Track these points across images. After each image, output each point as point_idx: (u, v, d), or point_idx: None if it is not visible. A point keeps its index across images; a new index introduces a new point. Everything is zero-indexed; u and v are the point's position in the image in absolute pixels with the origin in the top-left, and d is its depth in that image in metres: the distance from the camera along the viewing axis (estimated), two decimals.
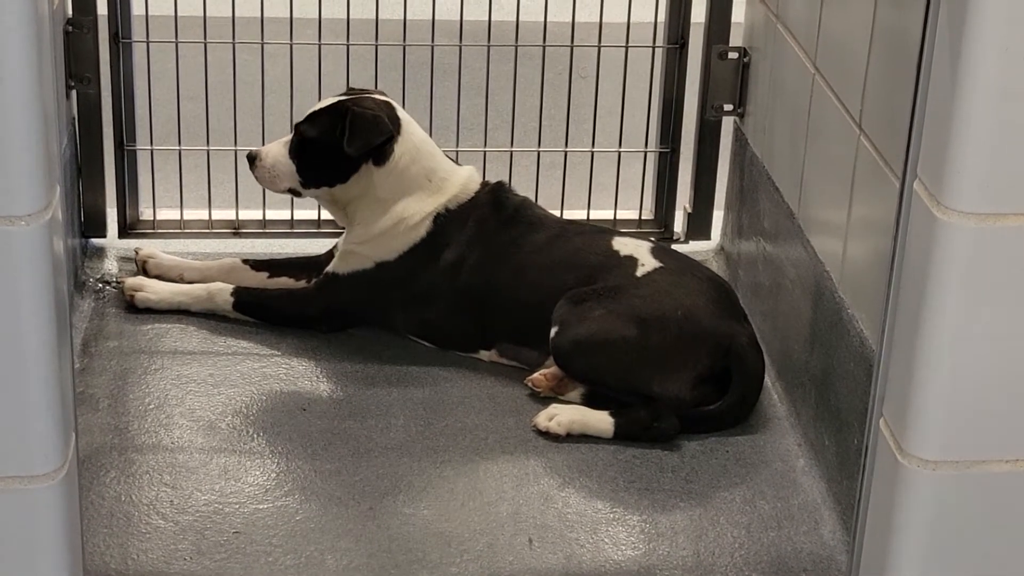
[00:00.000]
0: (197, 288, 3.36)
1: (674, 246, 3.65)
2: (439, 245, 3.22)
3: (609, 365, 3.02)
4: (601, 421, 3.03)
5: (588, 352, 3.03)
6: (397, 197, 3.23)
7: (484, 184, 3.29)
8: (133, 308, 3.35)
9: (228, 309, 3.33)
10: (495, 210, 3.25)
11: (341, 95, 3.27)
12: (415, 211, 3.23)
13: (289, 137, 3.28)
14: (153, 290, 3.36)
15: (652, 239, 3.39)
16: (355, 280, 3.26)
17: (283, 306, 3.33)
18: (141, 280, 3.38)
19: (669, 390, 3.01)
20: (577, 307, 3.06)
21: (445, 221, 3.23)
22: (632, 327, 3.01)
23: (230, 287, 3.34)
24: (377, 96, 3.28)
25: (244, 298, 3.33)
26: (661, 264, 3.14)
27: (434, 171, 3.26)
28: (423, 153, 3.26)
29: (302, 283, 3.40)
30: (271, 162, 3.27)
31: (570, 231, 3.26)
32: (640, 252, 3.17)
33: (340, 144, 3.18)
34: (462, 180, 3.27)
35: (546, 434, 3.02)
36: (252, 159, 3.29)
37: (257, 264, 3.44)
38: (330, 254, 3.38)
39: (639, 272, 3.12)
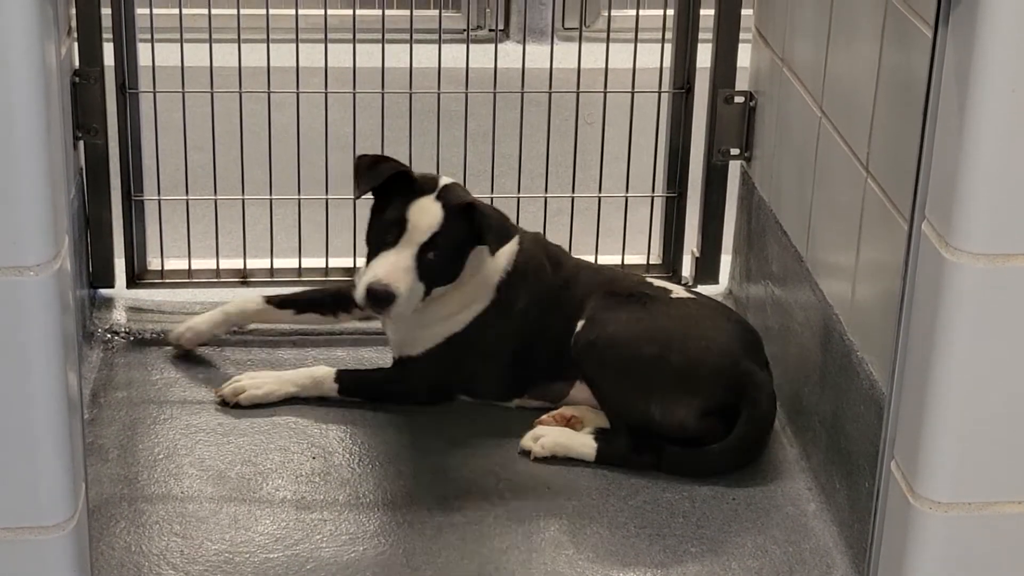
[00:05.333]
0: (301, 376, 3.23)
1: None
2: (504, 308, 3.19)
3: (622, 372, 3.04)
4: (584, 445, 3.05)
5: (605, 353, 3.05)
6: (475, 273, 3.17)
7: (523, 233, 3.26)
8: (139, 343, 3.35)
9: (335, 395, 3.22)
10: (545, 261, 3.23)
11: (417, 180, 3.12)
12: (484, 283, 3.19)
13: (407, 258, 3.03)
14: (255, 385, 3.21)
15: (687, 288, 3.44)
16: (431, 357, 3.21)
17: (384, 387, 3.24)
18: (238, 384, 3.21)
19: (676, 414, 3.00)
20: (608, 307, 3.10)
21: (506, 285, 3.19)
22: (655, 341, 3.03)
23: (332, 372, 3.23)
24: (447, 181, 3.15)
25: (348, 384, 3.21)
26: (694, 296, 3.22)
27: None
28: None
29: (328, 317, 3.40)
30: (406, 293, 3.03)
31: (605, 269, 3.33)
32: (674, 287, 3.24)
33: (467, 248, 3.10)
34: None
35: (527, 454, 3.07)
36: (384, 299, 3.01)
37: (281, 303, 3.38)
38: (351, 284, 3.31)
39: (673, 294, 3.18)
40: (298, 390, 3.21)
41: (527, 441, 3.07)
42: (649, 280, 3.27)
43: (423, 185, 3.09)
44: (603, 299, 3.13)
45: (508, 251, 3.17)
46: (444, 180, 3.13)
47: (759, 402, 3.03)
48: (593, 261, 3.49)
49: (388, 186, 3.09)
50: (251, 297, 3.41)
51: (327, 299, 3.40)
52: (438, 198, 3.07)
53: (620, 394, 3.04)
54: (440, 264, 3.06)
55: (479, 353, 3.19)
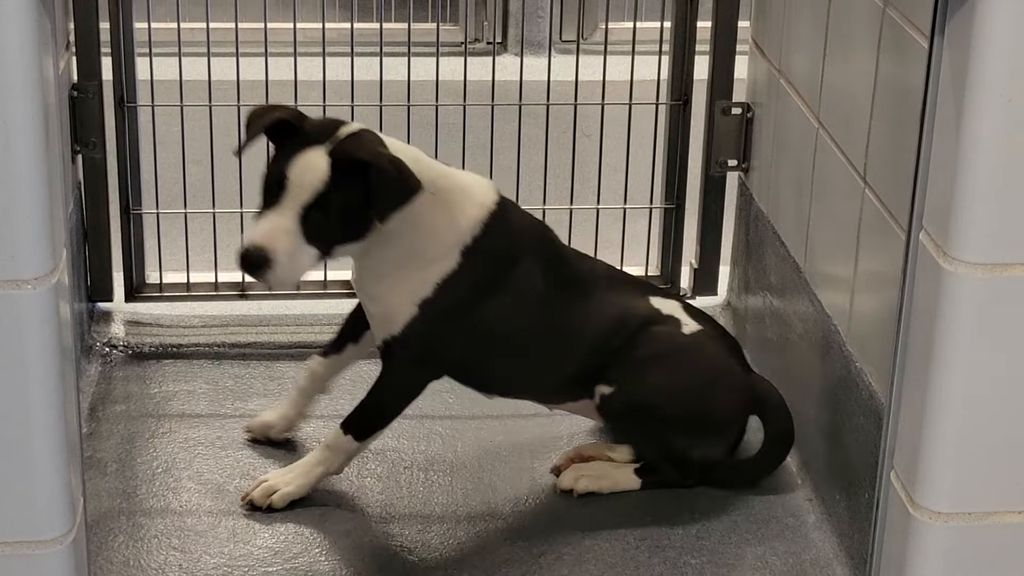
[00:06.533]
0: (318, 454, 2.96)
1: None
2: (472, 276, 2.90)
3: (657, 433, 3.00)
4: (626, 481, 3.03)
5: (641, 416, 2.99)
6: (429, 228, 2.87)
7: (505, 200, 2.97)
8: (137, 356, 3.35)
9: (358, 446, 2.95)
10: (530, 235, 2.98)
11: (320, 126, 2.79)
12: (443, 243, 2.88)
13: (289, 219, 2.71)
14: (285, 481, 2.95)
15: (679, 296, 3.35)
16: (411, 329, 2.91)
17: (384, 399, 2.95)
18: (267, 485, 2.94)
19: (711, 455, 3.03)
20: (632, 367, 2.97)
21: (472, 251, 2.88)
22: (688, 400, 2.99)
23: (338, 430, 2.94)
24: (353, 128, 2.79)
25: (357, 427, 2.93)
26: (700, 327, 3.07)
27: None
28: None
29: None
30: (285, 258, 2.71)
31: (605, 268, 3.14)
32: (678, 312, 3.08)
33: (368, 207, 2.72)
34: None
35: (569, 492, 3.02)
36: (257, 264, 2.70)
37: (336, 345, 3.12)
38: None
39: (686, 330, 3.04)
40: (326, 468, 2.95)
41: (567, 481, 3.01)
42: (655, 301, 3.08)
43: (317, 134, 2.73)
44: (623, 362, 2.97)
45: (475, 213, 2.86)
46: (349, 127, 2.77)
47: (780, 415, 3.05)
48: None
49: (282, 136, 2.77)
50: (310, 364, 3.13)
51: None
52: (330, 154, 2.71)
53: (658, 448, 3.03)
54: (332, 225, 2.72)
55: (460, 326, 2.88)
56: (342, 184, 2.70)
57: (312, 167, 2.70)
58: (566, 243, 3.19)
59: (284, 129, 2.76)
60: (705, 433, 3.02)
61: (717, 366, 3.04)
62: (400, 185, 2.71)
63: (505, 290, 2.90)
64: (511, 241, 2.92)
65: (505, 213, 2.91)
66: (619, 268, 3.26)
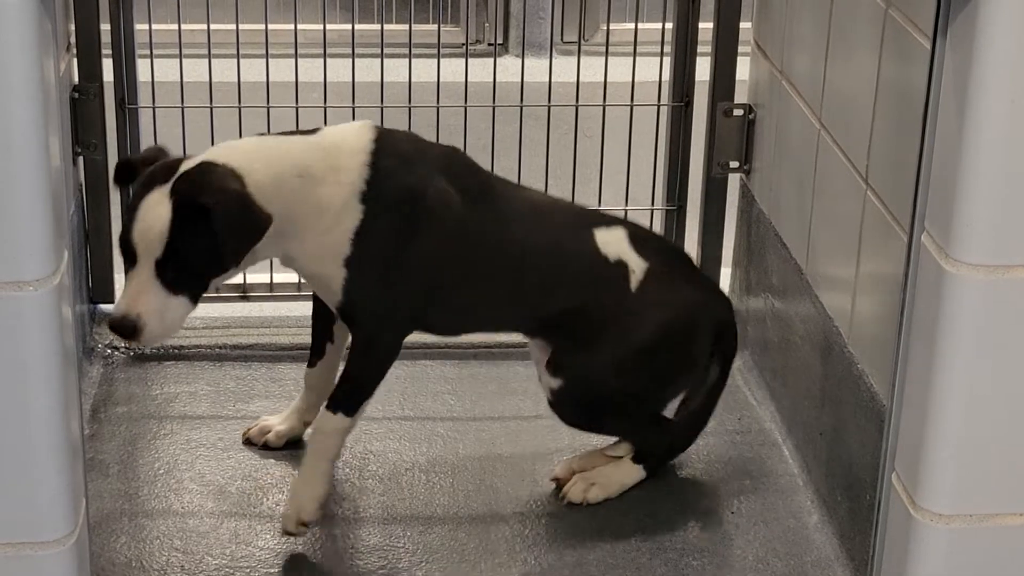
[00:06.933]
0: (315, 446, 2.88)
1: None
2: (385, 218, 2.78)
3: (622, 413, 2.98)
4: (631, 474, 3.02)
5: (599, 408, 2.97)
6: (307, 202, 2.75)
7: (381, 131, 2.83)
8: (139, 358, 3.35)
9: (351, 422, 2.86)
10: (423, 160, 2.83)
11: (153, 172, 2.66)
12: (335, 205, 2.77)
13: (146, 279, 2.61)
14: (308, 495, 2.86)
15: (624, 222, 3.06)
16: (352, 294, 2.83)
17: (361, 366, 2.87)
18: (297, 503, 2.85)
19: (682, 386, 3.02)
20: (578, 354, 2.90)
21: (373, 198, 2.77)
22: (643, 373, 2.94)
23: (324, 411, 2.88)
24: (196, 161, 2.65)
25: (343, 402, 2.85)
26: (647, 264, 2.94)
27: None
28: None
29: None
30: (155, 320, 2.62)
31: (536, 200, 2.99)
32: (623, 249, 2.94)
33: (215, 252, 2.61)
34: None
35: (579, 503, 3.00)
36: (130, 333, 2.62)
37: (315, 351, 3.09)
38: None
39: (633, 284, 2.93)
40: (330, 459, 2.88)
41: (577, 494, 2.99)
42: (600, 241, 2.93)
43: (158, 175, 2.63)
44: (567, 348, 2.90)
45: (355, 161, 2.74)
46: (189, 163, 2.64)
47: (731, 335, 3.06)
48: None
49: (125, 174, 2.74)
50: (305, 380, 3.11)
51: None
52: (171, 195, 2.59)
53: (628, 426, 3.02)
54: (191, 270, 2.63)
55: (396, 271, 2.78)
56: (187, 228, 2.59)
57: (154, 215, 2.59)
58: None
59: (130, 173, 2.72)
60: (670, 390, 3.00)
61: (672, 327, 2.94)
62: (245, 224, 2.61)
63: (424, 222, 2.79)
64: (409, 172, 2.79)
65: (389, 147, 2.79)
66: (563, 199, 3.18)
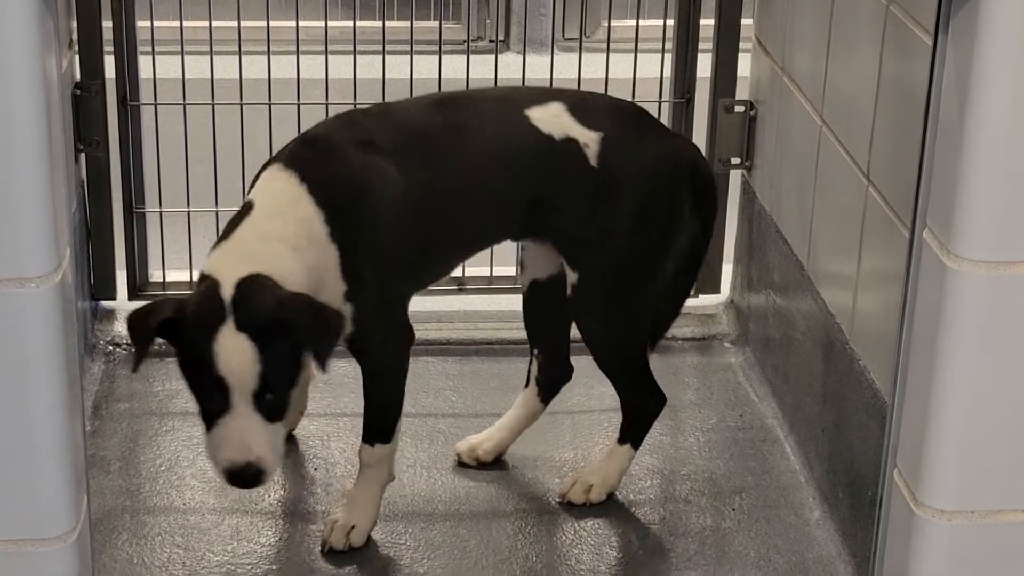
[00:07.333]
0: (366, 476, 2.84)
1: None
2: (355, 230, 2.68)
3: (638, 303, 2.87)
4: (622, 458, 2.99)
5: (617, 299, 2.84)
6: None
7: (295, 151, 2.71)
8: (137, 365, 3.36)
9: (392, 447, 2.83)
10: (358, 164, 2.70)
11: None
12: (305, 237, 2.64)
13: (251, 418, 2.51)
14: (362, 520, 2.85)
15: (561, 94, 2.90)
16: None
17: (384, 396, 2.81)
18: (347, 525, 2.83)
19: (682, 242, 2.89)
20: (579, 245, 2.80)
21: (333, 222, 2.64)
22: (635, 239, 2.80)
23: (365, 447, 2.82)
24: (232, 285, 2.52)
25: (380, 433, 2.81)
26: (600, 133, 2.79)
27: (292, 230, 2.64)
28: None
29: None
30: (273, 457, 2.56)
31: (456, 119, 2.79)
32: (567, 124, 2.79)
33: (300, 353, 2.55)
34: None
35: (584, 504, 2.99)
36: (256, 481, 2.55)
37: None
38: None
39: (592, 158, 2.78)
40: (380, 482, 2.85)
41: (578, 496, 2.97)
42: (535, 120, 2.77)
43: (207, 315, 2.49)
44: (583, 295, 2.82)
45: (303, 212, 2.61)
46: (228, 286, 2.50)
47: (708, 175, 2.93)
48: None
49: (172, 333, 2.55)
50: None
51: None
52: (239, 328, 2.47)
53: (633, 355, 2.93)
54: (281, 392, 2.53)
55: (385, 268, 2.71)
56: (274, 350, 2.49)
57: (239, 352, 2.47)
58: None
59: (171, 327, 2.53)
60: (673, 253, 2.87)
61: (647, 191, 2.81)
62: (321, 318, 2.54)
63: (381, 208, 2.68)
64: (344, 180, 2.66)
65: (315, 172, 2.65)
66: (485, 88, 3.04)
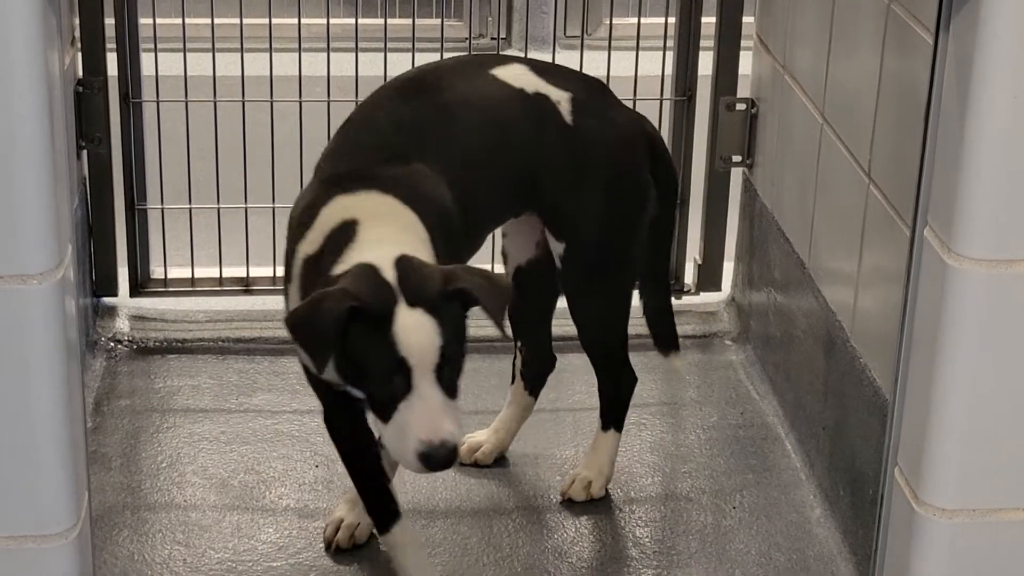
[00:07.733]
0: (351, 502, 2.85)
1: (685, 299, 3.66)
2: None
3: (623, 275, 2.89)
4: (609, 444, 2.99)
5: (602, 270, 2.86)
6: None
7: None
8: (142, 351, 3.36)
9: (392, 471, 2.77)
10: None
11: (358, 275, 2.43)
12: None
13: (435, 396, 2.39)
14: (362, 520, 2.85)
15: (521, 59, 2.90)
16: None
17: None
18: (344, 523, 2.83)
19: (652, 211, 2.88)
20: (564, 214, 2.80)
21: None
22: (616, 203, 2.81)
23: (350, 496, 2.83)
24: (393, 271, 2.41)
25: (360, 466, 2.75)
26: (569, 93, 2.78)
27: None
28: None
29: None
30: (461, 432, 2.45)
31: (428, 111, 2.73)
32: (535, 82, 2.78)
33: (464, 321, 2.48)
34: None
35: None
36: (450, 461, 2.41)
37: None
38: None
39: (567, 118, 2.77)
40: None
41: (579, 493, 2.98)
42: (507, 77, 2.77)
43: (382, 303, 2.38)
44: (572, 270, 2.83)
45: (391, 202, 2.57)
46: (388, 270, 2.41)
47: (666, 159, 2.93)
48: None
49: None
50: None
51: None
52: (412, 304, 2.39)
53: (614, 333, 2.93)
54: (459, 366, 2.45)
55: (454, 250, 2.68)
56: (448, 322, 2.40)
57: (419, 329, 2.38)
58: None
59: (352, 315, 2.38)
60: (645, 222, 2.87)
61: (625, 153, 2.82)
62: (496, 284, 2.51)
63: (452, 208, 2.67)
64: (430, 196, 2.63)
65: (405, 193, 2.60)
66: (442, 61, 2.97)
